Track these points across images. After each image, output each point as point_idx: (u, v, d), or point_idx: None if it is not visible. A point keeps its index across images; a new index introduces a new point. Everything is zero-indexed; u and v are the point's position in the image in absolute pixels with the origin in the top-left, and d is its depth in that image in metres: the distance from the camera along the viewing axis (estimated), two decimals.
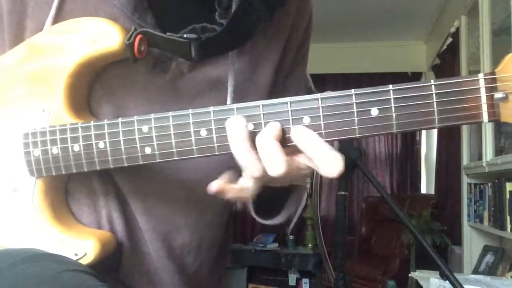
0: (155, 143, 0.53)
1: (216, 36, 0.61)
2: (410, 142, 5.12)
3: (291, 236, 4.48)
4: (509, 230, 2.38)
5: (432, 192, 4.51)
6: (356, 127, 0.47)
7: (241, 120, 0.49)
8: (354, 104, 0.47)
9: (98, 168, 0.56)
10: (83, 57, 0.58)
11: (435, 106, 0.45)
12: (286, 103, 0.49)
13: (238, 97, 0.64)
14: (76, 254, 0.58)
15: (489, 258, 2.82)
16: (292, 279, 4.26)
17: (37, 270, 0.49)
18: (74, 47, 0.58)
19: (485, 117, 0.46)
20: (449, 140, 3.80)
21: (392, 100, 0.46)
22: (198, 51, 0.59)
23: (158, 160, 0.53)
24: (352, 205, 4.98)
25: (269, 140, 0.47)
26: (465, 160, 3.21)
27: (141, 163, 0.54)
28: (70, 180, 0.63)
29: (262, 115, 0.50)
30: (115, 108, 0.62)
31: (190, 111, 0.52)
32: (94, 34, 0.57)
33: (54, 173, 0.58)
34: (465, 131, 3.19)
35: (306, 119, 0.48)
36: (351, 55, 5.15)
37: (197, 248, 0.70)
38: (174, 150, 0.53)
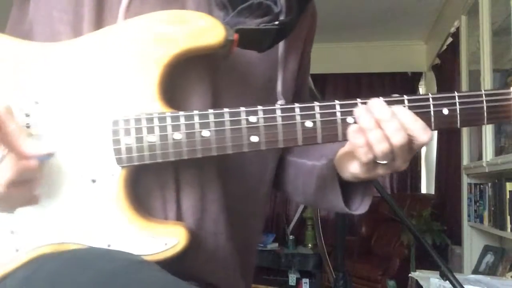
0: (262, 132, 0.58)
1: (288, 21, 0.66)
2: None
3: (291, 236, 4.48)
4: (509, 230, 2.38)
5: (432, 192, 4.50)
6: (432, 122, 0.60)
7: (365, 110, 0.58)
8: (431, 105, 0.60)
9: (199, 155, 0.57)
10: (186, 48, 0.59)
11: (485, 109, 0.61)
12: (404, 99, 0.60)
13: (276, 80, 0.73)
14: (166, 244, 0.58)
15: (489, 258, 2.82)
16: (292, 279, 4.26)
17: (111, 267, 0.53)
18: (177, 38, 0.58)
19: None
20: (449, 140, 3.80)
21: (457, 103, 0.60)
22: (273, 38, 0.66)
23: (262, 148, 0.58)
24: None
25: (398, 127, 0.56)
26: (465, 160, 3.21)
27: (245, 150, 0.58)
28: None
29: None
30: (211, 96, 0.64)
31: (296, 105, 0.59)
32: (200, 28, 0.58)
33: (147, 161, 0.57)
34: (465, 131, 3.20)
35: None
36: (351, 55, 5.15)
37: (255, 233, 0.76)
38: (280, 139, 0.58)
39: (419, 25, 4.65)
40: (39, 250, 0.57)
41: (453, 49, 3.67)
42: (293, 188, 0.80)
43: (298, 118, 0.58)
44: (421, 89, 5.24)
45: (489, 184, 2.74)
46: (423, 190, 5.04)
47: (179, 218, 0.63)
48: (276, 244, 4.53)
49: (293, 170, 0.78)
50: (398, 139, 0.56)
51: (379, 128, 0.56)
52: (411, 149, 0.59)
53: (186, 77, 0.64)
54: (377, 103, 0.58)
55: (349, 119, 0.59)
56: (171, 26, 0.59)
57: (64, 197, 0.58)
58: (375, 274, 3.75)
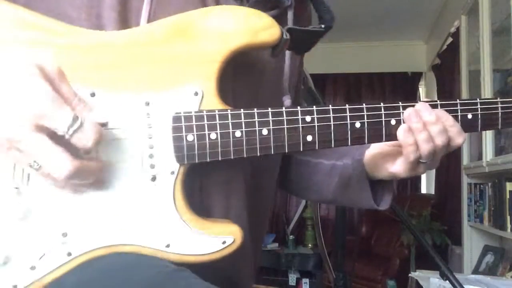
0: (316, 132, 0.59)
1: (331, 26, 0.68)
2: None
3: (291, 236, 4.48)
4: (509, 230, 2.38)
5: (432, 192, 4.51)
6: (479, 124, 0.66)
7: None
8: (459, 110, 0.65)
9: (258, 154, 0.57)
10: (242, 45, 0.58)
11: (499, 115, 0.66)
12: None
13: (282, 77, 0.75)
14: (224, 242, 0.57)
15: (489, 258, 2.82)
16: (292, 279, 4.26)
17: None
18: (234, 34, 0.58)
19: None
20: None
21: (479, 108, 0.65)
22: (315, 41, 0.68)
23: (316, 148, 0.60)
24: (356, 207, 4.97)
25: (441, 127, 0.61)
26: (465, 160, 3.21)
27: (301, 149, 0.59)
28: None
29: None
30: (232, 93, 0.64)
31: (347, 106, 0.60)
32: (257, 25, 0.58)
33: (208, 159, 0.56)
34: None
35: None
36: (351, 55, 5.15)
37: (262, 230, 0.77)
38: (332, 139, 0.59)
39: (419, 25, 4.65)
40: (93, 253, 0.54)
41: (453, 49, 3.67)
42: (304, 187, 0.82)
43: (348, 118, 0.60)
44: (421, 89, 5.24)
45: (489, 184, 2.74)
46: (423, 190, 5.04)
47: (205, 215, 0.62)
48: (276, 244, 4.53)
49: (306, 169, 0.80)
50: (441, 140, 0.62)
51: (425, 130, 0.61)
52: (447, 150, 0.64)
53: (248, 71, 0.65)
54: (424, 107, 0.62)
55: (392, 121, 0.62)
56: (226, 21, 0.58)
57: (122, 195, 0.55)
58: (375, 274, 3.75)
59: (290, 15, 0.72)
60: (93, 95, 0.54)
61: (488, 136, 2.71)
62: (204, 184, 0.62)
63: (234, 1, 0.66)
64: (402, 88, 5.13)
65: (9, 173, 0.52)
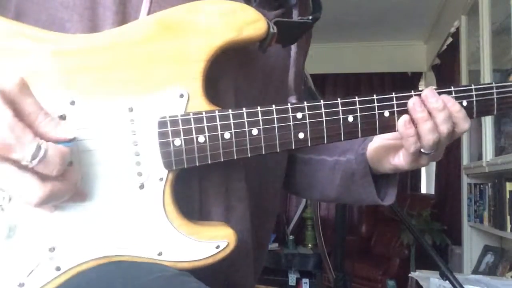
0: (308, 128, 0.57)
1: (318, 17, 0.66)
2: None
3: (291, 236, 4.48)
4: (509, 230, 2.38)
5: (432, 192, 4.51)
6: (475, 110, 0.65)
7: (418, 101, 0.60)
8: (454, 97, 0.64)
9: (249, 155, 0.56)
10: (227, 41, 0.55)
11: (495, 100, 0.66)
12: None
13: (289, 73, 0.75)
14: (217, 247, 0.56)
15: (489, 258, 2.82)
16: (292, 279, 4.26)
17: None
18: (218, 30, 0.55)
19: None
20: None
21: (474, 95, 0.65)
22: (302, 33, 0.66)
23: (308, 145, 0.58)
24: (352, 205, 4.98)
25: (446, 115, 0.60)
26: (465, 160, 3.21)
27: (292, 147, 0.57)
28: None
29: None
30: (234, 92, 0.62)
31: (339, 100, 0.58)
32: (242, 20, 0.56)
33: (197, 164, 0.54)
34: None
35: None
36: (351, 55, 5.15)
37: (268, 230, 0.76)
38: (325, 134, 0.58)
39: (419, 25, 4.65)
40: (83, 266, 0.53)
41: (453, 49, 3.67)
42: (307, 185, 0.81)
43: (341, 113, 0.58)
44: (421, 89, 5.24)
45: (489, 184, 2.74)
46: (423, 190, 5.04)
47: (205, 217, 0.62)
48: (276, 244, 4.53)
49: (308, 167, 0.79)
50: (446, 128, 0.60)
51: (430, 120, 0.59)
52: (451, 138, 0.63)
53: (234, 68, 0.63)
54: (431, 94, 0.60)
55: (386, 113, 0.60)
56: (211, 17, 0.55)
57: (110, 205, 0.53)
58: (375, 274, 3.75)
59: (295, 13, 0.72)
60: (72, 103, 0.52)
61: (488, 136, 2.71)
62: (203, 186, 0.61)
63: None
64: (402, 88, 5.01)
65: None
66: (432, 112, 0.60)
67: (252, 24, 0.56)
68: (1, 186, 0.44)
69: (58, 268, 0.52)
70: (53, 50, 0.52)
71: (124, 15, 0.57)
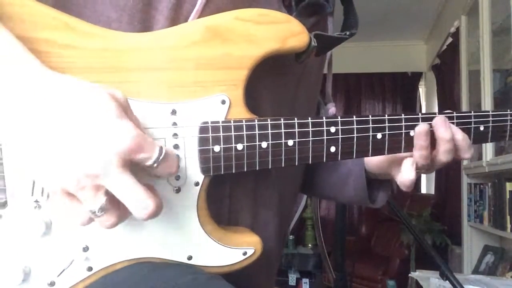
0: (340, 143, 0.58)
1: (355, 33, 0.68)
2: None
3: (291, 236, 4.48)
4: (509, 230, 2.38)
5: (432, 192, 4.51)
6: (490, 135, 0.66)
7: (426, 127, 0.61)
8: (472, 122, 0.65)
9: (283, 165, 0.56)
10: (271, 51, 0.56)
11: (508, 127, 0.67)
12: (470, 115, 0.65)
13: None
14: (245, 253, 0.57)
15: (489, 258, 2.82)
16: (292, 279, 4.26)
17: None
18: (263, 39, 0.56)
19: None
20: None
21: (491, 121, 0.66)
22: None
23: (338, 159, 0.59)
24: (352, 205, 4.98)
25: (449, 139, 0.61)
26: (465, 160, 3.20)
27: (324, 161, 0.58)
28: None
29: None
30: (269, 102, 0.62)
31: (370, 117, 0.59)
32: (286, 31, 0.56)
33: (234, 171, 0.54)
34: None
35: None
36: (351, 55, 5.15)
37: (284, 237, 0.76)
38: (354, 150, 0.59)
39: (419, 25, 4.65)
40: (113, 267, 0.53)
41: (453, 49, 3.67)
42: (304, 182, 0.82)
43: (371, 130, 0.59)
44: (421, 89, 5.24)
45: (489, 184, 2.74)
46: (423, 190, 5.04)
47: (233, 223, 0.62)
48: None
49: (306, 165, 0.80)
50: (446, 158, 0.61)
51: (428, 148, 0.61)
52: (447, 162, 0.63)
53: (272, 78, 0.63)
54: (442, 124, 0.61)
55: (412, 133, 0.61)
56: (258, 26, 0.55)
57: None
58: (375, 274, 3.75)
59: (330, 20, 0.72)
60: None
61: None
62: (233, 191, 0.61)
63: (284, 9, 0.65)
64: (402, 88, 5.14)
65: (28, 188, 0.51)
66: (438, 141, 0.61)
67: (296, 36, 0.57)
68: (119, 197, 0.43)
69: (90, 268, 0.52)
70: (101, 46, 0.52)
71: (174, 22, 0.56)
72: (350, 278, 3.61)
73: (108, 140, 0.42)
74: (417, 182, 5.05)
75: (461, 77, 3.31)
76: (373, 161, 0.70)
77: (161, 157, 0.44)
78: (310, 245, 4.42)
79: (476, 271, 2.83)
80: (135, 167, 0.44)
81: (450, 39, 3.78)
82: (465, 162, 3.19)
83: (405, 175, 0.62)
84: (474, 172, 3.00)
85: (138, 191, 0.43)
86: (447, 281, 1.25)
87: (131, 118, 0.45)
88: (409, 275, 2.31)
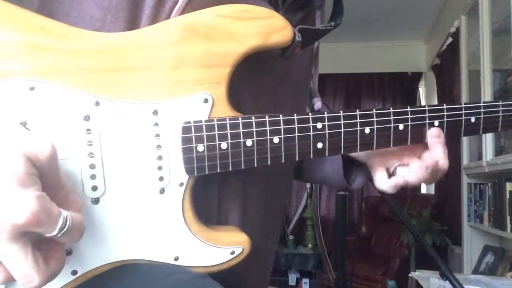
0: (327, 139, 0.57)
1: (340, 23, 0.67)
2: None
3: (291, 236, 4.48)
4: (509, 230, 2.38)
5: (432, 192, 4.51)
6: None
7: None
8: (463, 114, 0.65)
9: (269, 163, 0.55)
10: (253, 47, 0.55)
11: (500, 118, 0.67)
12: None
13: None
14: (232, 253, 0.56)
15: (489, 258, 2.82)
16: (292, 279, 4.26)
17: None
18: (245, 36, 0.54)
19: None
20: (449, 140, 3.80)
21: (482, 112, 0.65)
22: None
23: (326, 155, 0.58)
24: (352, 205, 4.99)
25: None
26: (465, 160, 3.21)
27: (311, 157, 0.57)
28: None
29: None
30: (252, 99, 0.62)
31: (357, 111, 0.58)
32: (269, 27, 0.55)
33: (218, 170, 0.54)
34: None
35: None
36: (351, 55, 5.15)
37: (276, 237, 0.75)
38: (342, 145, 0.58)
39: (419, 25, 4.65)
40: (98, 270, 0.52)
41: (453, 49, 3.67)
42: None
43: (358, 125, 0.59)
44: (421, 89, 5.24)
45: (489, 184, 2.74)
46: (423, 190, 5.04)
47: (223, 223, 0.62)
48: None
49: None
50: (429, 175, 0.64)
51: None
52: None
53: (255, 73, 0.62)
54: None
55: (400, 126, 0.61)
56: (239, 22, 0.54)
57: (128, 210, 0.52)
58: (375, 274, 3.75)
59: (318, 14, 0.71)
60: (97, 104, 0.51)
61: (488, 136, 2.72)
62: (222, 191, 0.61)
63: (266, 3, 0.64)
64: (402, 88, 5.14)
65: None
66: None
67: (279, 31, 0.56)
68: (5, 264, 0.40)
69: (74, 272, 0.51)
70: (78, 48, 0.51)
71: (156, 20, 0.56)
72: (350, 278, 3.61)
73: (4, 211, 0.38)
74: None
75: (461, 77, 3.31)
76: None
77: (63, 231, 0.41)
78: (310, 245, 4.42)
79: (476, 271, 2.83)
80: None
81: (450, 39, 3.78)
82: (465, 162, 3.20)
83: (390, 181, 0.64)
84: (474, 172, 3.00)
85: (24, 264, 0.40)
86: (447, 281, 1.25)
87: (48, 178, 0.42)
88: (409, 275, 2.31)
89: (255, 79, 0.63)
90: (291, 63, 0.67)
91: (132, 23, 0.55)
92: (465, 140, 3.22)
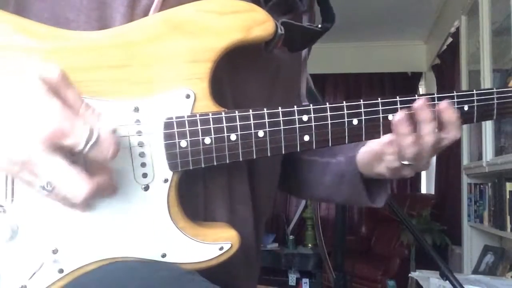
0: (313, 131, 0.57)
1: (329, 27, 0.67)
2: None
3: (291, 236, 4.49)
4: (509, 230, 2.38)
5: (432, 192, 4.51)
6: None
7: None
8: (455, 102, 0.63)
9: (254, 157, 0.55)
10: (235, 42, 0.54)
11: (495, 105, 0.65)
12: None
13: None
14: (221, 249, 0.56)
15: (489, 258, 2.82)
16: (292, 279, 4.27)
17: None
18: (226, 30, 0.54)
19: None
20: None
21: (475, 100, 0.64)
22: (309, 40, 0.66)
23: (313, 148, 0.58)
24: (352, 205, 4.98)
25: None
26: (465, 160, 3.21)
27: (297, 150, 0.57)
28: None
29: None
30: (235, 93, 0.61)
31: (344, 103, 0.58)
32: (250, 20, 0.55)
33: (203, 165, 0.53)
34: (465, 131, 3.20)
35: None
36: (351, 55, 5.15)
37: (262, 234, 0.75)
38: (330, 137, 0.58)
39: (419, 25, 4.65)
40: (85, 268, 0.52)
41: (453, 49, 3.68)
42: (298, 184, 0.82)
43: (346, 116, 0.58)
44: (421, 89, 5.24)
45: (489, 184, 2.74)
46: (423, 190, 5.04)
47: (210, 219, 0.62)
48: (276, 244, 4.53)
49: (299, 166, 0.80)
50: (430, 139, 0.59)
51: (411, 135, 0.58)
52: (439, 148, 0.61)
53: (239, 69, 0.62)
54: (423, 107, 0.58)
55: (390, 117, 0.59)
56: (219, 17, 0.54)
57: (114, 207, 0.52)
58: (375, 274, 3.75)
59: (305, 19, 0.71)
60: None
61: (488, 136, 2.72)
62: (208, 187, 0.61)
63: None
64: (402, 88, 5.13)
65: None
66: (419, 124, 0.59)
67: (261, 24, 0.55)
68: (48, 179, 0.42)
69: (61, 270, 0.51)
70: (56, 47, 0.51)
71: (132, 18, 0.56)
72: (350, 278, 3.61)
73: (31, 127, 0.41)
74: (417, 182, 5.06)
75: (461, 77, 3.31)
76: (361, 162, 0.70)
77: (91, 142, 0.42)
78: (310, 245, 4.43)
79: (476, 271, 2.83)
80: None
81: (450, 39, 3.78)
82: (465, 162, 3.20)
83: (389, 164, 0.62)
84: (474, 172, 3.00)
85: (68, 176, 0.42)
86: (447, 281, 1.25)
87: (65, 96, 0.43)
88: (409, 275, 2.31)
89: (239, 74, 0.63)
90: (278, 60, 0.67)
91: (105, 23, 0.56)
92: (465, 140, 3.22)
